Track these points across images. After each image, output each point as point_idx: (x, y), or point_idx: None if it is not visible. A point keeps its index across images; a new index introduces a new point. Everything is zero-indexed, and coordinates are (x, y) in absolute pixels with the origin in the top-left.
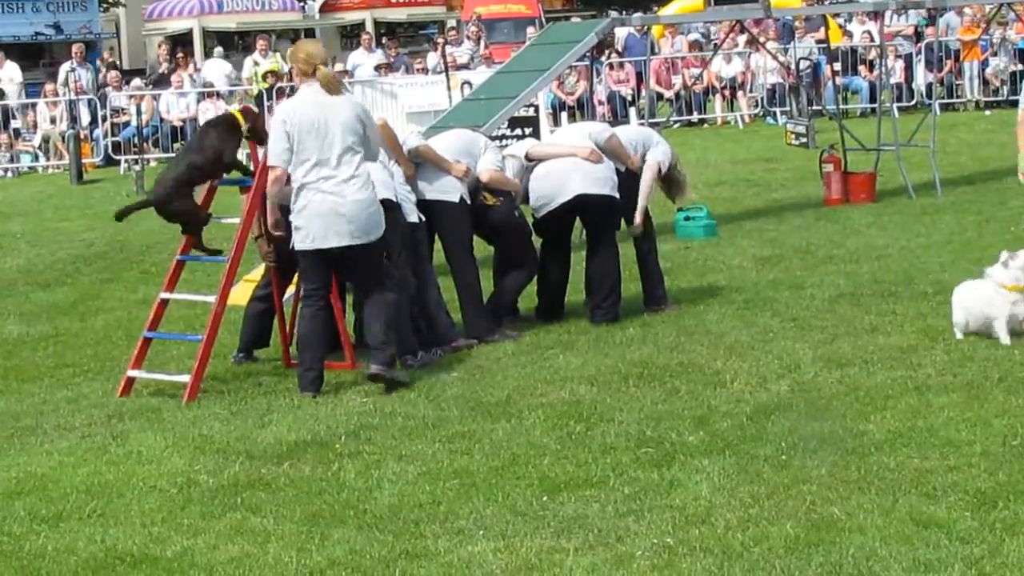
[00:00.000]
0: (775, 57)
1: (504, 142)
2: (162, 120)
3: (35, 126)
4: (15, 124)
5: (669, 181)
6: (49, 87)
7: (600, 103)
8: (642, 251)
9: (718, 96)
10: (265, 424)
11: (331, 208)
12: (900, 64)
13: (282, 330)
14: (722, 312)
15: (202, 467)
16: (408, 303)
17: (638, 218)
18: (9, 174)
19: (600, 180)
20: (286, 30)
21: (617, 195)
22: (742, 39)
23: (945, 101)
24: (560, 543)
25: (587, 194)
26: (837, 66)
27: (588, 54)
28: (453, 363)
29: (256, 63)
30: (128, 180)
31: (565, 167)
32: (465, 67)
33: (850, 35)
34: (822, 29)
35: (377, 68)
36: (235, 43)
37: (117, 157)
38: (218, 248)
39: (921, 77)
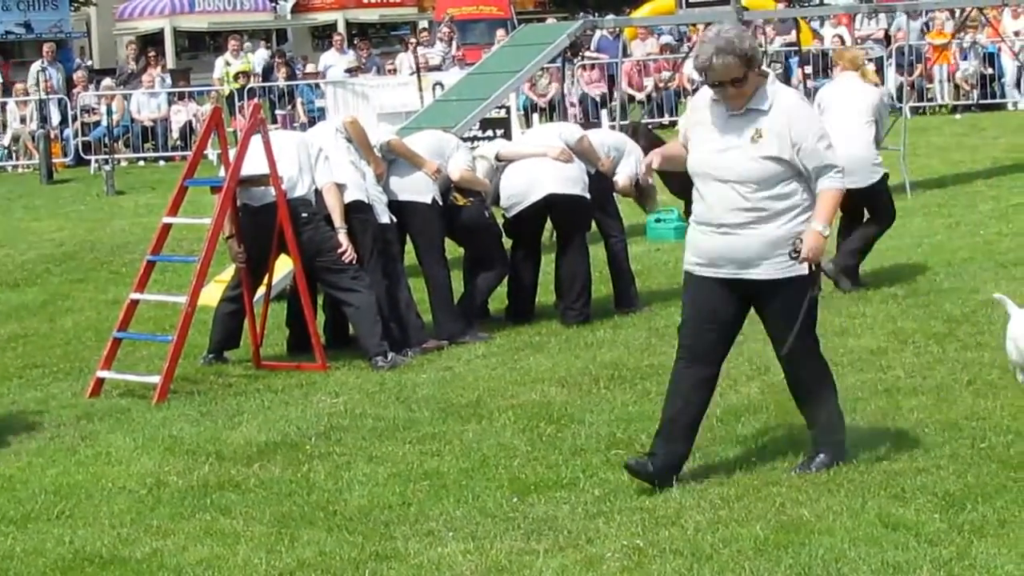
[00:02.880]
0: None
1: (476, 143)
2: (133, 120)
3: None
4: None
5: (639, 190)
6: (19, 86)
7: (572, 105)
8: (613, 252)
9: (690, 98)
10: (235, 425)
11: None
12: (871, 67)
13: (252, 331)
14: None
15: (171, 468)
16: (378, 304)
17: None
18: None
19: (570, 180)
20: (258, 30)
21: (587, 195)
22: None
23: (915, 104)
24: (530, 544)
25: (557, 194)
26: (808, 69)
27: (561, 55)
28: (424, 364)
29: (227, 63)
30: (98, 180)
31: (535, 167)
32: (437, 68)
33: (821, 38)
34: (793, 32)
35: (349, 70)
36: (206, 43)
37: (87, 157)
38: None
39: (891, 80)
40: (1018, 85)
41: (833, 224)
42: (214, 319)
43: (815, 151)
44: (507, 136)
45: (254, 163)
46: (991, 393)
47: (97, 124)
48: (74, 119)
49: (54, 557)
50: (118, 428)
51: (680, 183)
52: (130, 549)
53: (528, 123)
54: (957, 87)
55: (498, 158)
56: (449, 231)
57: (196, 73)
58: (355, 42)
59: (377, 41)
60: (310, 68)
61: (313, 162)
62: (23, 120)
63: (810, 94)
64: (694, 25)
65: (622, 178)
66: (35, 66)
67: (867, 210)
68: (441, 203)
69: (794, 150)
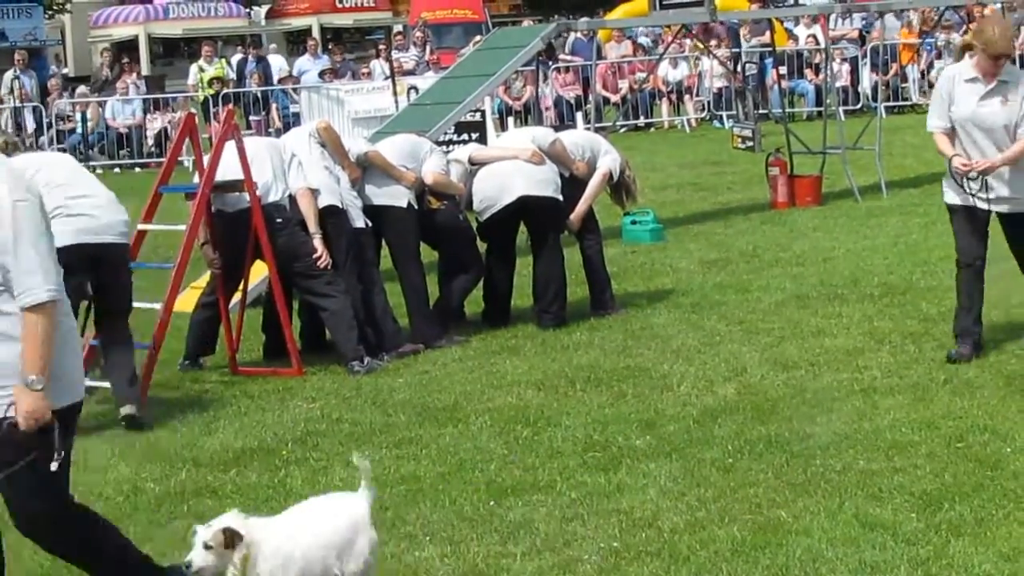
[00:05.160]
0: (722, 62)
1: (451, 147)
2: (108, 127)
3: None
4: None
5: (619, 187)
6: None
7: (547, 108)
8: (588, 254)
9: (665, 100)
10: (212, 431)
11: None
12: (846, 67)
13: (228, 337)
14: (669, 316)
15: (148, 474)
16: (354, 309)
17: (575, 220)
18: None
19: (543, 182)
20: (232, 36)
21: (560, 197)
22: (689, 43)
23: (890, 104)
24: (507, 548)
25: (530, 196)
26: (783, 69)
27: (537, 58)
28: (400, 369)
29: (202, 69)
30: None
31: (507, 169)
32: (411, 72)
33: (795, 38)
34: (768, 33)
35: (322, 74)
36: (181, 50)
37: None
38: None
39: (866, 80)
40: None
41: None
42: (190, 325)
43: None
44: (482, 140)
45: (228, 169)
46: (968, 392)
47: (72, 131)
48: (49, 126)
49: (32, 565)
50: (95, 435)
51: None
52: None
53: (503, 126)
54: (932, 85)
55: (470, 161)
56: (424, 234)
57: (171, 80)
58: (329, 47)
59: (351, 45)
60: (284, 73)
61: (286, 167)
62: None
63: (785, 94)
64: (668, 27)
65: (602, 170)
66: (8, 74)
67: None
68: (416, 207)
69: None
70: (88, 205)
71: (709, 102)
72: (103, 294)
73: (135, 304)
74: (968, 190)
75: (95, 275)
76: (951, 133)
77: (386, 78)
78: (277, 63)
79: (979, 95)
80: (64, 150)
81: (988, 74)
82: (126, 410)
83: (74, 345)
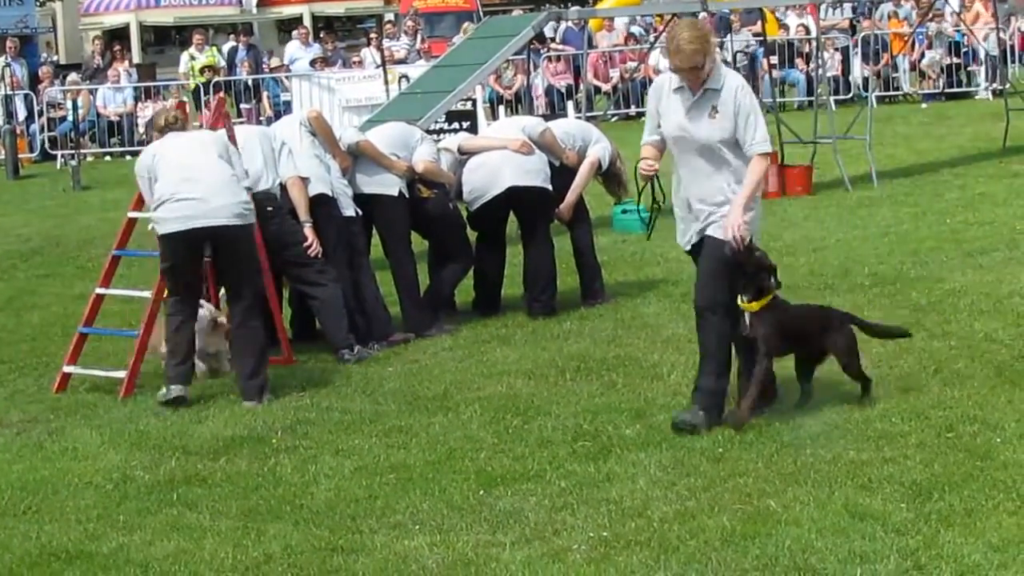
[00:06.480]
0: None
1: (441, 136)
2: (99, 115)
3: None
4: None
5: (609, 177)
6: None
7: (538, 97)
8: (579, 244)
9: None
10: (201, 419)
11: None
12: (837, 57)
13: None
14: (659, 305)
15: (138, 463)
16: (344, 297)
17: (565, 209)
18: None
19: (531, 172)
20: (223, 24)
21: (549, 187)
22: None
23: (881, 94)
24: (496, 537)
25: (519, 186)
26: (774, 59)
27: (528, 47)
28: (390, 357)
29: (193, 57)
30: (65, 175)
31: (496, 160)
32: (403, 61)
33: (786, 28)
34: (759, 22)
35: (313, 62)
36: (172, 38)
37: (53, 152)
38: None
39: (857, 70)
40: (987, 74)
41: None
42: None
43: None
44: (473, 129)
45: None
46: (958, 382)
47: (63, 119)
48: (40, 114)
49: (20, 552)
50: (84, 423)
51: None
52: (97, 544)
53: (494, 115)
54: (923, 74)
55: (460, 151)
56: (414, 223)
57: (162, 68)
58: (320, 35)
59: (343, 34)
60: (275, 62)
61: (277, 156)
62: None
63: (775, 83)
64: (660, 16)
65: (590, 159)
66: None
67: None
68: (407, 195)
69: None
70: (199, 189)
71: None
72: (225, 279)
73: (126, 292)
74: (657, 200)
75: (215, 260)
76: (662, 147)
77: (377, 67)
78: (291, 50)
79: (686, 107)
80: (55, 138)
81: (691, 83)
82: (246, 405)
83: None
